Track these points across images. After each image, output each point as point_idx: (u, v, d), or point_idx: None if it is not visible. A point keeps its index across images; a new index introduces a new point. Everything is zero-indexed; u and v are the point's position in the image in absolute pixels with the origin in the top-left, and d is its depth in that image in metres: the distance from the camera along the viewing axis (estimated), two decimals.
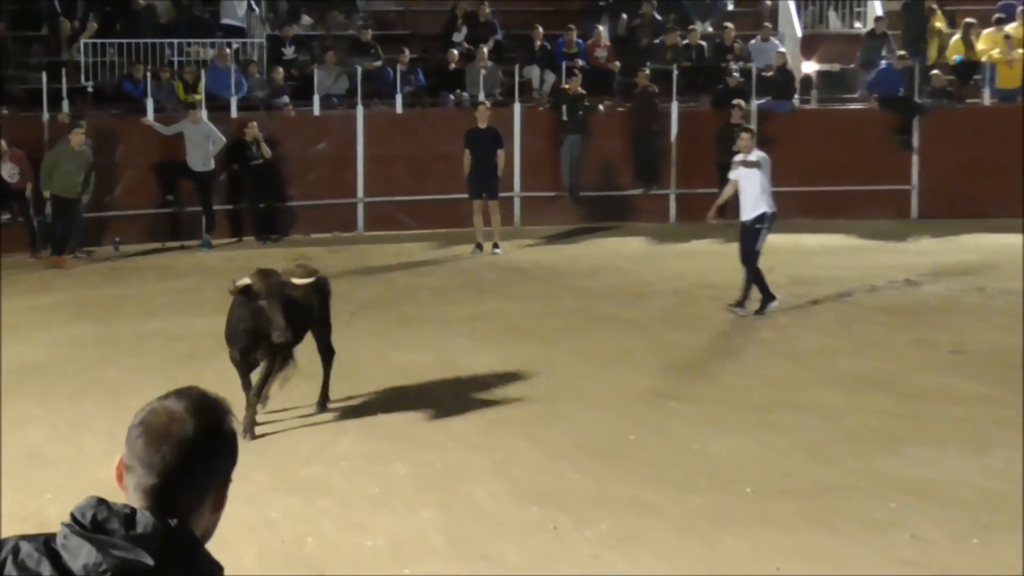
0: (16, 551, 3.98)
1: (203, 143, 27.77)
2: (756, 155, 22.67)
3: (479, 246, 27.44)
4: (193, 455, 4.10)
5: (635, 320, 22.23)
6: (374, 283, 24.50)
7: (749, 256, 22.39)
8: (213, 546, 11.96)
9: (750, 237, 22.41)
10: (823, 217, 29.23)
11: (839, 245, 27.88)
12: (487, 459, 15.77)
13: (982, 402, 17.99)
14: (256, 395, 16.66)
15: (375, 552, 13.20)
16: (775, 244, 26.10)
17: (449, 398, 17.97)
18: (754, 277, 22.42)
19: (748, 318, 22.24)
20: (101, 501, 3.98)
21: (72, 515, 3.95)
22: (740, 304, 22.31)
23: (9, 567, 3.95)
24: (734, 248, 22.83)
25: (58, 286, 24.37)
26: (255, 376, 16.74)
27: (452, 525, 13.89)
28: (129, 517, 3.95)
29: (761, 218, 22.34)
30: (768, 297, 22.43)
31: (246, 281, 16.01)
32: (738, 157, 22.75)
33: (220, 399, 4.29)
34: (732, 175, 22.89)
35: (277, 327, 15.95)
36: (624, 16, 33.29)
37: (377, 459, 15.88)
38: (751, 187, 22.43)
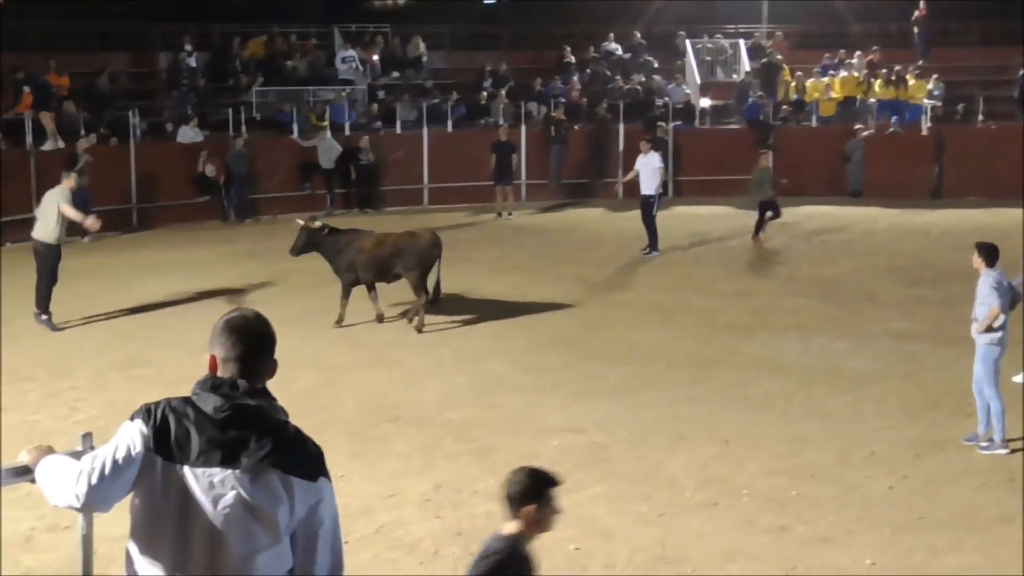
0: (169, 403, 4.18)
1: (329, 151, 27.97)
2: (652, 155, 22.88)
3: (499, 214, 27.59)
4: (264, 341, 4.29)
5: (592, 259, 22.29)
6: None
7: (648, 218, 22.52)
8: (318, 390, 12.44)
9: (647, 205, 22.56)
10: (711, 195, 29.23)
11: (720, 212, 27.74)
12: (497, 345, 16.02)
13: (807, 310, 18.13)
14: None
15: (429, 403, 13.55)
16: (680, 211, 26.37)
17: (474, 309, 18.07)
18: (651, 229, 22.55)
19: (655, 258, 22.42)
20: (215, 375, 4.22)
21: (198, 383, 4.20)
22: (651, 249, 22.51)
23: (167, 411, 4.15)
24: (663, 214, 22.90)
25: (238, 239, 24.77)
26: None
27: (476, 386, 14.18)
28: (233, 382, 4.17)
29: (653, 195, 22.56)
30: (653, 244, 22.58)
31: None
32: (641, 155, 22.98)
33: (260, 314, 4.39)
34: (636, 166, 23.09)
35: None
36: (588, 71, 33.28)
37: (429, 345, 16.17)
38: (646, 173, 22.60)
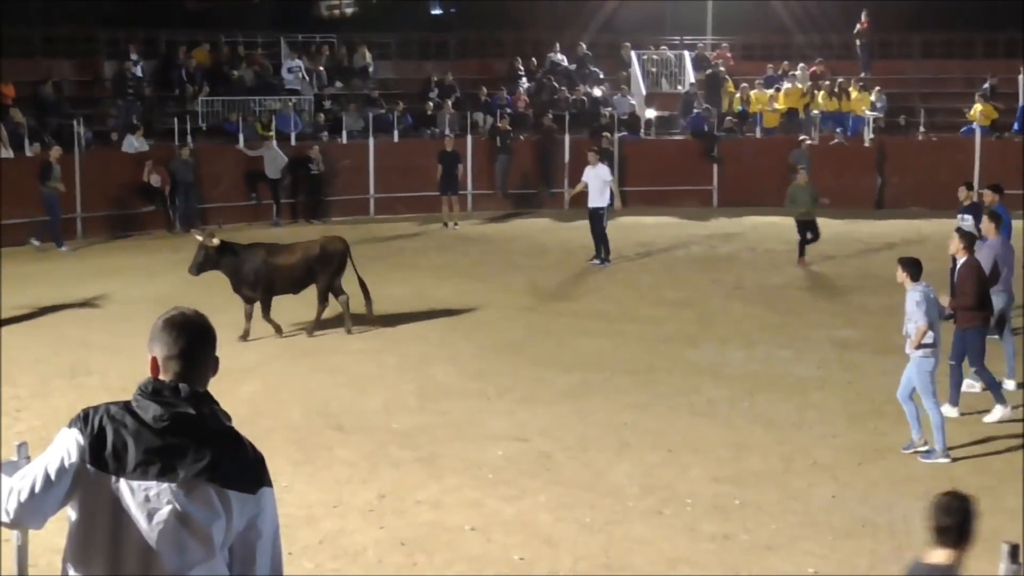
0: (108, 410, 4.08)
1: (275, 160, 27.79)
2: (600, 167, 22.66)
3: (445, 224, 27.47)
4: (205, 337, 4.20)
5: (538, 267, 22.32)
6: (377, 246, 24.55)
7: (597, 230, 22.29)
8: (263, 397, 12.28)
9: (596, 218, 22.34)
10: (656, 205, 29.29)
11: (666, 222, 27.83)
12: (443, 352, 15.99)
13: (752, 318, 18.24)
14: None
15: (374, 410, 13.50)
16: (625, 221, 26.37)
17: (421, 315, 18.09)
18: (603, 240, 22.42)
19: (603, 267, 22.38)
20: (156, 379, 4.12)
21: (139, 387, 4.10)
22: (600, 258, 22.42)
23: (104, 419, 4.05)
24: (609, 224, 22.86)
25: (183, 247, 24.35)
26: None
27: (421, 393, 14.15)
28: (173, 387, 4.06)
29: (602, 207, 22.31)
30: (605, 256, 22.43)
31: None
32: (589, 167, 22.67)
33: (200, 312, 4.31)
34: (584, 178, 22.77)
35: None
36: (534, 81, 33.31)
37: (374, 351, 16.11)
38: (595, 185, 22.40)
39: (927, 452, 11.76)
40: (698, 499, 10.70)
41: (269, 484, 4.19)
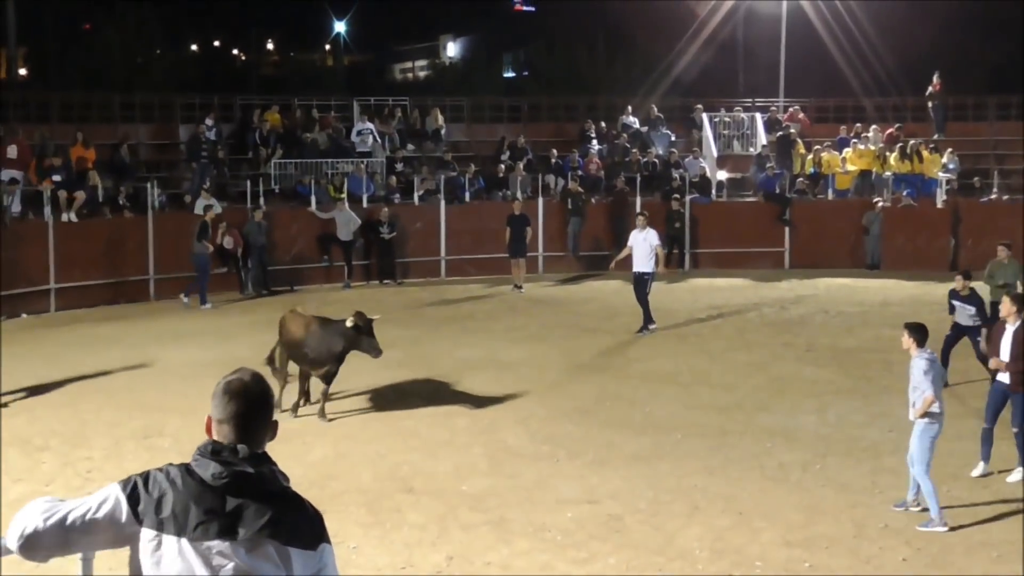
0: (166, 471, 4.11)
1: (347, 223, 28.10)
2: (649, 231, 22.15)
3: (516, 286, 27.61)
4: (261, 402, 4.24)
5: (609, 330, 22.29)
6: (448, 308, 24.72)
7: (641, 296, 21.86)
8: (333, 460, 12.39)
9: (640, 283, 21.98)
10: (728, 267, 29.33)
11: (738, 284, 27.80)
12: (514, 415, 15.98)
13: (824, 381, 18.07)
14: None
15: (444, 473, 13.55)
16: (697, 283, 26.39)
17: (491, 378, 18.07)
18: (646, 304, 21.96)
19: (651, 334, 21.90)
20: (214, 440, 4.16)
21: (198, 448, 4.13)
22: (645, 327, 21.91)
23: (160, 477, 4.08)
24: (667, 287, 22.78)
25: (256, 309, 24.71)
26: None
27: (491, 456, 14.18)
28: (232, 447, 4.11)
29: (648, 272, 21.88)
30: (649, 321, 21.95)
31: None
32: (636, 230, 22.24)
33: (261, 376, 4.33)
34: (629, 242, 22.36)
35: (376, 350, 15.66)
36: (606, 143, 33.48)
37: (445, 415, 16.15)
38: (641, 250, 21.99)
39: (926, 523, 11.56)
40: (768, 563, 10.63)
41: (328, 541, 4.23)
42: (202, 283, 25.24)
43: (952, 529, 11.49)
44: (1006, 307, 13.34)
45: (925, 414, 11.62)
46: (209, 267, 25.42)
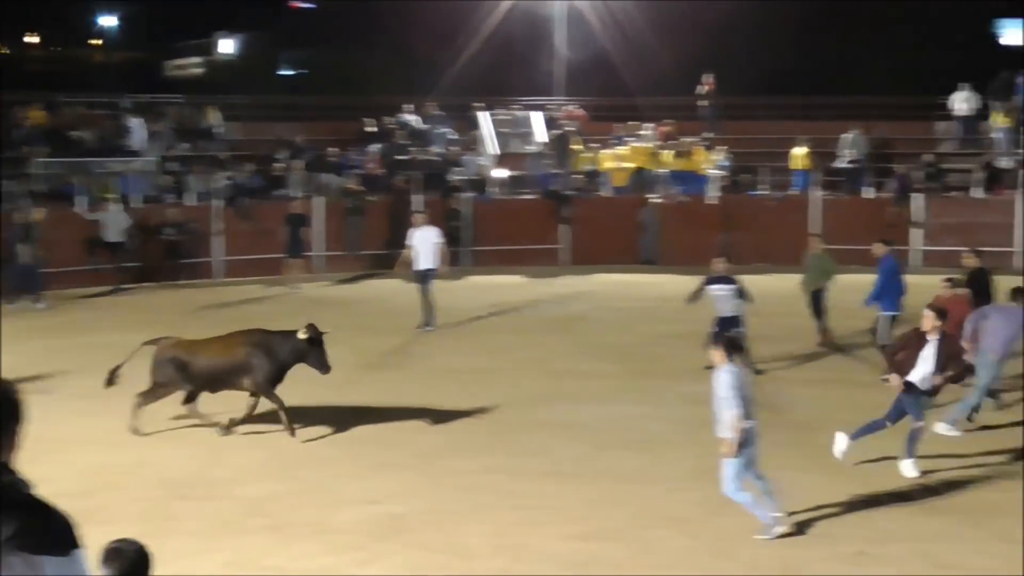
0: None
1: (116, 224, 27.15)
2: (428, 229, 22.34)
3: (292, 286, 27.19)
4: (4, 411, 4.07)
5: (390, 329, 22.18)
6: (225, 311, 24.20)
7: (424, 293, 22.01)
8: (104, 469, 11.85)
9: (423, 280, 22.06)
10: (507, 264, 29.50)
11: (517, 282, 28.03)
12: (295, 417, 15.77)
13: (603, 376, 18.37)
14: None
15: (221, 479, 13.21)
16: (477, 281, 26.55)
17: None
18: (430, 302, 22.04)
19: (445, 327, 22.07)
20: None
21: None
22: (427, 324, 22.07)
23: None
24: (447, 285, 22.76)
25: (21, 314, 23.81)
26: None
27: (271, 460, 13.88)
28: None
29: (431, 269, 22.02)
30: (430, 321, 22.08)
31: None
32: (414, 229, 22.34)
33: (9, 381, 4.16)
34: (409, 241, 22.39)
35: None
36: (385, 142, 33.31)
37: (223, 418, 15.89)
38: (423, 248, 22.08)
39: (762, 530, 11.31)
40: (549, 557, 10.72)
41: (81, 546, 4.09)
42: None
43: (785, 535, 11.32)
44: (928, 321, 13.17)
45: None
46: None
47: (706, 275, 18.74)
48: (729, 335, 11.89)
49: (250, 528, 11.51)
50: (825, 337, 20.99)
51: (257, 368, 14.95)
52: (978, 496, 12.61)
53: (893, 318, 18.63)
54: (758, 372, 17.80)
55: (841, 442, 13.55)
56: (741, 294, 18.13)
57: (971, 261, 17.99)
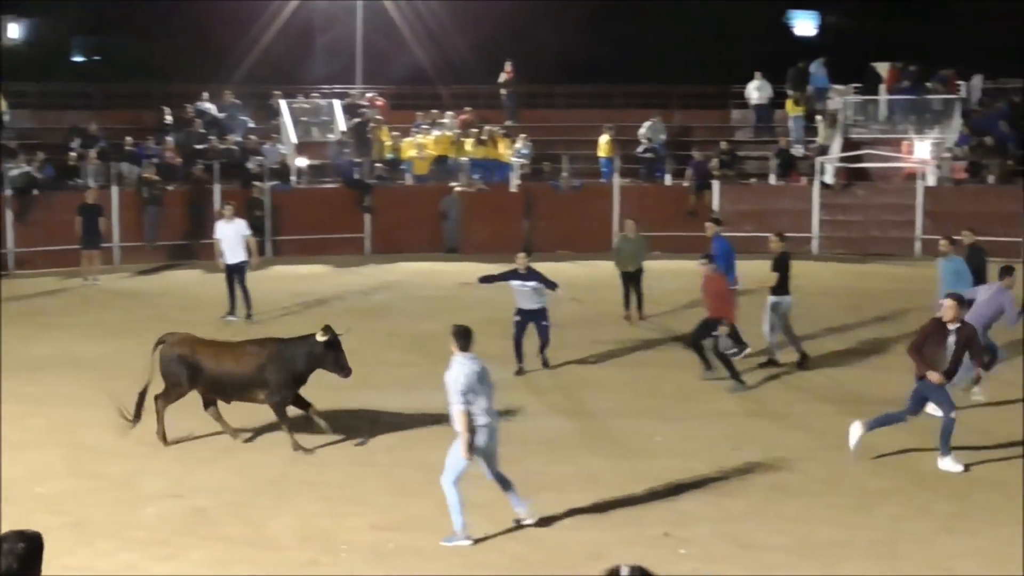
0: None
1: None
2: (237, 221, 22.11)
3: (85, 278, 26.55)
4: None
5: (189, 321, 21.42)
6: (17, 304, 23.52)
7: (235, 286, 21.77)
8: None
9: (234, 274, 21.80)
10: (309, 254, 29.31)
11: (319, 271, 27.88)
12: (93, 414, 15.31)
13: (407, 365, 18.47)
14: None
15: (17, 477, 12.91)
16: (279, 271, 26.35)
17: (69, 376, 17.50)
18: (245, 293, 21.91)
19: (238, 321, 21.79)
20: None
21: None
22: (232, 313, 21.98)
23: None
24: (250, 275, 22.52)
25: None
26: None
27: (70, 456, 13.61)
28: None
29: (243, 262, 21.80)
30: (237, 308, 21.97)
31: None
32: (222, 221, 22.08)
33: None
34: (217, 234, 22.10)
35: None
36: (182, 130, 32.75)
37: (19, 416, 15.37)
38: (231, 241, 21.79)
39: (448, 536, 11.00)
40: (355, 546, 10.82)
41: None
42: None
43: (476, 542, 11.08)
44: (951, 311, 13.26)
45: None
46: None
47: (510, 268, 18.81)
48: (461, 325, 11.32)
49: (47, 526, 11.23)
50: (634, 317, 21.87)
51: (272, 384, 14.17)
52: (777, 478, 13.11)
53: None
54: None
55: (856, 431, 13.64)
56: (545, 286, 18.27)
57: (776, 245, 18.70)
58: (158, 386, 14.44)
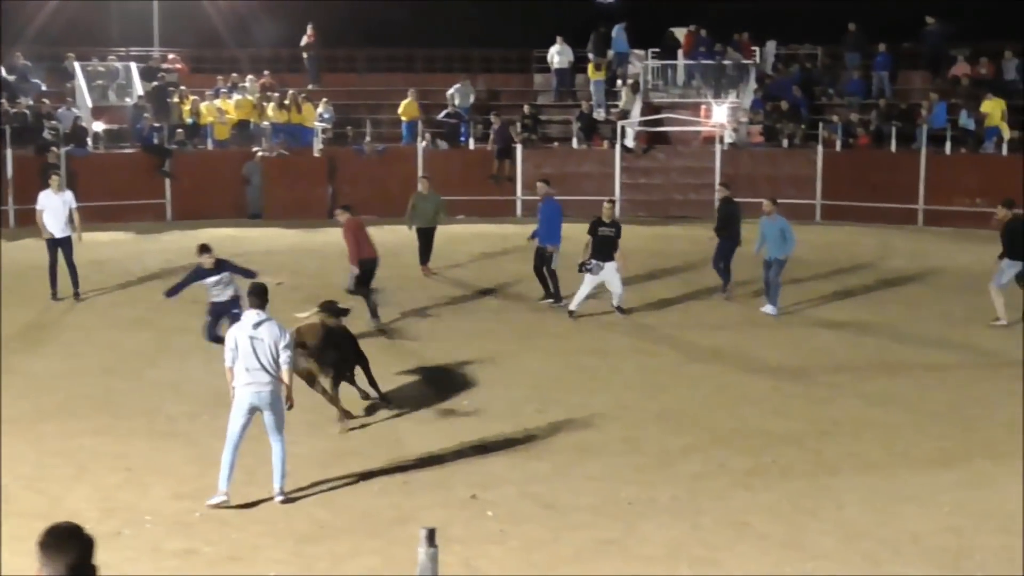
0: None
1: None
2: (66, 192, 21.36)
3: None
4: None
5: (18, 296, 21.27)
6: None
7: (68, 260, 20.82)
8: None
9: (59, 247, 20.83)
10: (109, 221, 28.37)
11: (120, 238, 27.23)
12: None
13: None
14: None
15: None
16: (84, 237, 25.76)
17: None
18: (72, 269, 20.92)
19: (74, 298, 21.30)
20: None
21: None
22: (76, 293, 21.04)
23: None
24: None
25: None
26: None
27: None
28: None
29: (68, 236, 20.88)
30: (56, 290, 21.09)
31: None
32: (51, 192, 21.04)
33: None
34: (40, 204, 20.99)
35: None
36: None
37: None
38: (58, 213, 20.86)
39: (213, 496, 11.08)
40: (159, 517, 10.75)
41: None
42: None
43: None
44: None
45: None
46: None
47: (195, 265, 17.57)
48: (259, 284, 11.57)
49: None
50: (429, 272, 23.06)
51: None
52: (581, 438, 13.41)
53: (556, 249, 20.49)
54: (381, 331, 18.30)
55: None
56: (242, 275, 16.53)
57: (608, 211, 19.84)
58: None
